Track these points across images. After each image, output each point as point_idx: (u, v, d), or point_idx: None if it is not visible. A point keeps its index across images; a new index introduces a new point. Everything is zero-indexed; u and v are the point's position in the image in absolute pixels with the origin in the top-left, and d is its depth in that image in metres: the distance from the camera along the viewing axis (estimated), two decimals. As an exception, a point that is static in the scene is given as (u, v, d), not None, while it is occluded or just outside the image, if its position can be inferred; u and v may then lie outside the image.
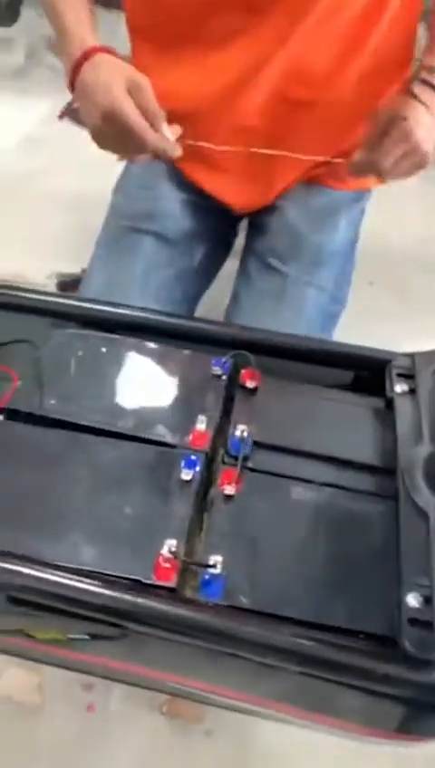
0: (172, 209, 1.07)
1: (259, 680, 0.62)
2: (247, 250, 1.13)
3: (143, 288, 0.99)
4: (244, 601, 0.56)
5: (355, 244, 1.13)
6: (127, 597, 0.54)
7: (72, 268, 1.43)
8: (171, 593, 0.56)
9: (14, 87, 1.98)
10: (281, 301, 1.03)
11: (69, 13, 0.88)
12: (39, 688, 0.91)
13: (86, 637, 0.62)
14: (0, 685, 0.90)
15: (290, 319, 1.00)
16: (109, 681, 0.89)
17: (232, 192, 1.07)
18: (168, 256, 1.04)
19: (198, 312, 1.13)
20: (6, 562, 0.56)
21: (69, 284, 1.39)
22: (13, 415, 0.69)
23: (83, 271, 1.43)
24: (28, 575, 0.55)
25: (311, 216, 1.08)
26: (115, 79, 0.77)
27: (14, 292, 0.80)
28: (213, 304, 1.24)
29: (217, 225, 1.12)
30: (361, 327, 1.22)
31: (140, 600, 0.54)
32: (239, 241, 1.19)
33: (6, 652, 0.83)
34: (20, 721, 0.89)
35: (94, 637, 0.61)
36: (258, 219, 1.11)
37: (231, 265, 1.17)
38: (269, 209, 1.09)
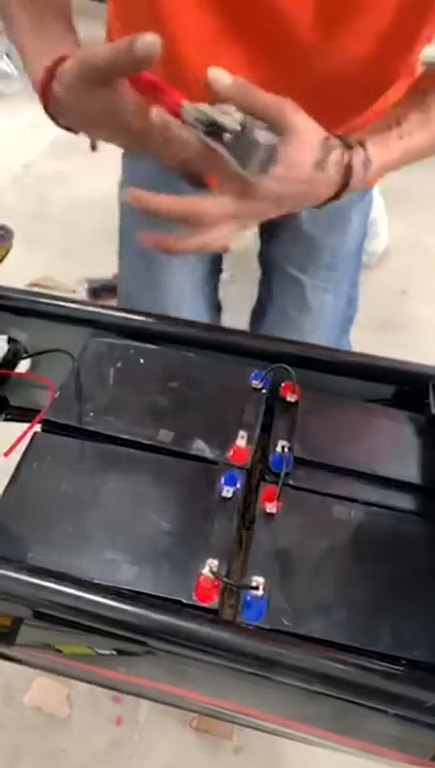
0: None
1: (297, 704, 0.60)
2: (264, 257, 1.13)
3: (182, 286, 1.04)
4: (286, 624, 0.55)
5: (364, 239, 1.13)
6: (168, 619, 0.52)
7: (103, 273, 1.43)
8: (212, 615, 0.55)
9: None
10: (302, 311, 1.06)
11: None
12: (67, 699, 0.90)
13: (115, 653, 0.61)
14: (28, 695, 0.89)
15: (312, 328, 1.05)
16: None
17: None
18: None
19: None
20: (44, 580, 0.54)
21: (99, 290, 1.38)
22: (51, 426, 0.67)
23: (114, 276, 1.43)
24: (66, 593, 0.54)
25: (324, 218, 1.04)
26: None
27: (51, 301, 0.79)
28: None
29: None
30: (395, 337, 1.21)
31: (181, 623, 0.52)
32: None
33: (32, 665, 0.82)
34: (48, 732, 0.88)
35: (127, 654, 0.60)
36: (270, 223, 1.10)
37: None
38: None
